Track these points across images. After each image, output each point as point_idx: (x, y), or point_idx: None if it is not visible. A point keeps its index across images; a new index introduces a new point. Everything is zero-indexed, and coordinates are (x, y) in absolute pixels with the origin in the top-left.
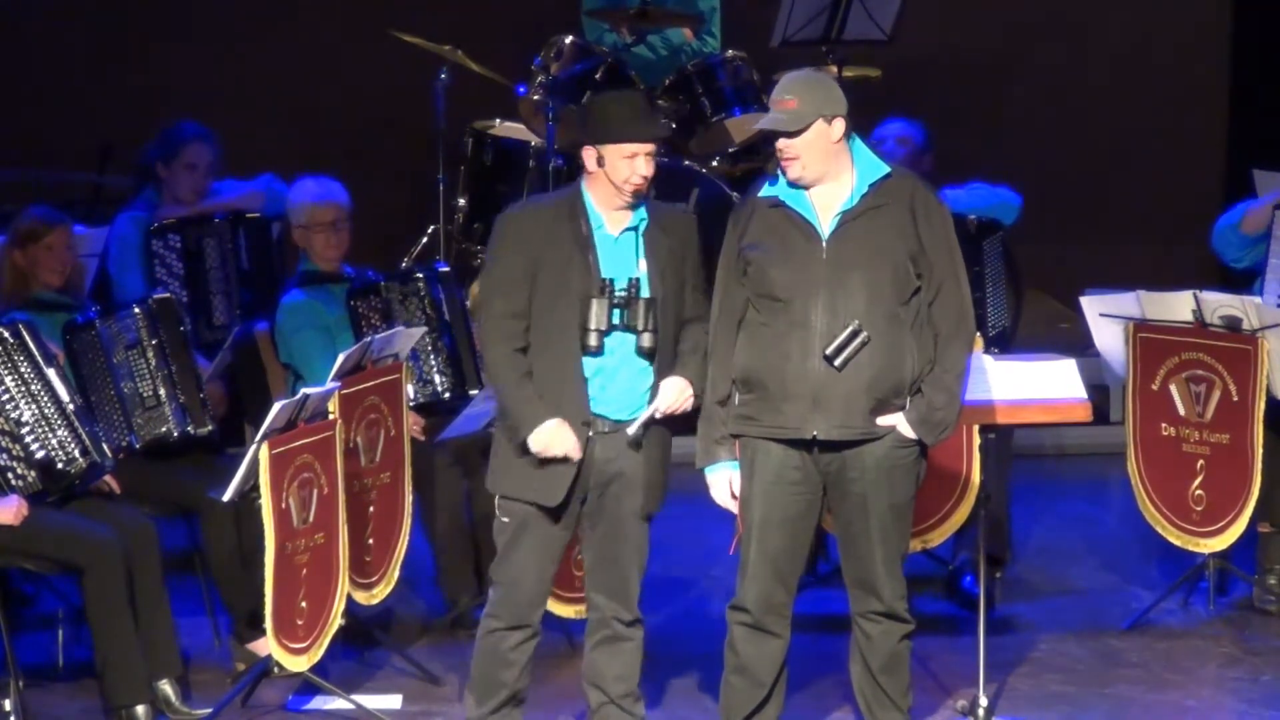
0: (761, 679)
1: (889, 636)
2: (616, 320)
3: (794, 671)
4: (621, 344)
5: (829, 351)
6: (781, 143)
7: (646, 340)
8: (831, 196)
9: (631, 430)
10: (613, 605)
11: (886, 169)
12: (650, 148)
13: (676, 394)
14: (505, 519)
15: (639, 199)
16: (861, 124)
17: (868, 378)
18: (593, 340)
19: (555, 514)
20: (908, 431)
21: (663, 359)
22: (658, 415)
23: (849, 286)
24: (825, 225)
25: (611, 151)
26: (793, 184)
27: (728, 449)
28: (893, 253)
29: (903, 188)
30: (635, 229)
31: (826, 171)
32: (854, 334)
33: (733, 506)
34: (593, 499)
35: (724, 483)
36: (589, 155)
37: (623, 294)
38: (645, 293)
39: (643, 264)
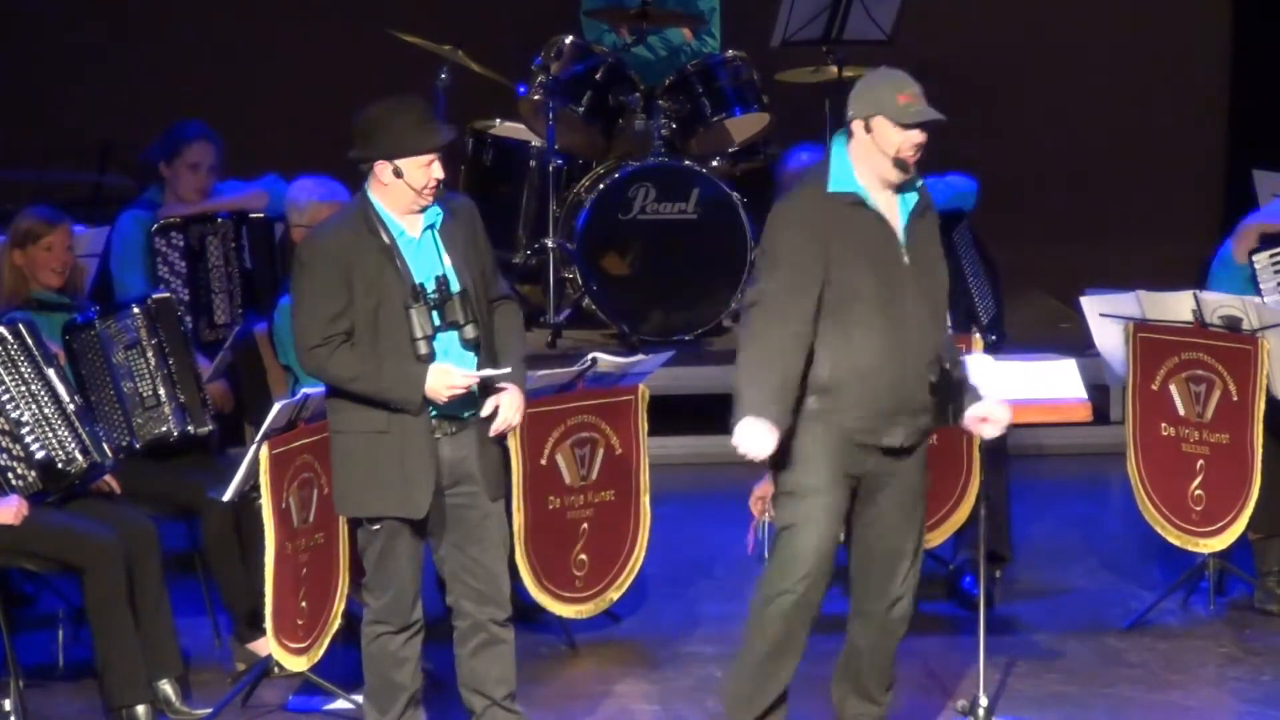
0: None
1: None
2: (438, 321)
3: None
4: (448, 342)
5: None
6: (921, 137)
7: (470, 332)
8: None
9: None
10: (486, 609)
11: None
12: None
13: (514, 409)
14: (375, 527)
15: (436, 199)
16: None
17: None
18: (423, 349)
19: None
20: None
21: (486, 344)
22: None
23: None
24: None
25: (409, 162)
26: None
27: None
28: None
29: None
30: (433, 226)
31: None
32: None
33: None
34: (441, 502)
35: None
36: (382, 169)
37: (434, 295)
38: (455, 287)
39: (447, 258)
